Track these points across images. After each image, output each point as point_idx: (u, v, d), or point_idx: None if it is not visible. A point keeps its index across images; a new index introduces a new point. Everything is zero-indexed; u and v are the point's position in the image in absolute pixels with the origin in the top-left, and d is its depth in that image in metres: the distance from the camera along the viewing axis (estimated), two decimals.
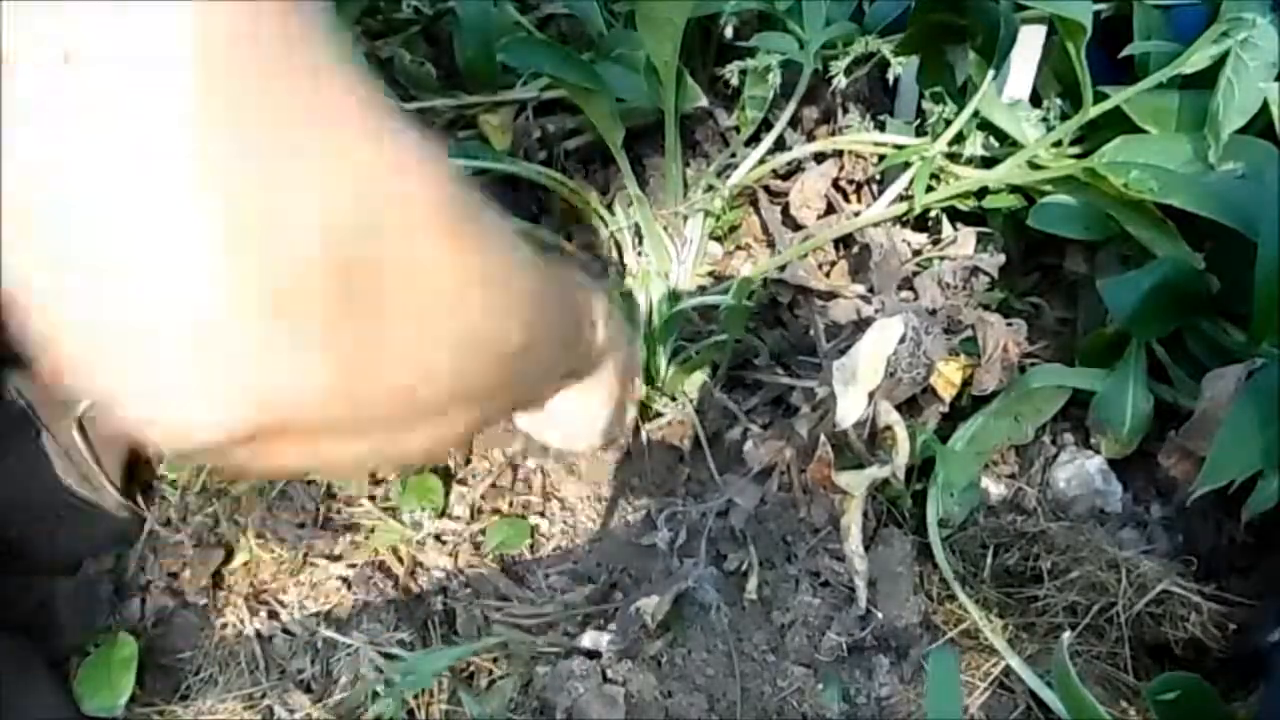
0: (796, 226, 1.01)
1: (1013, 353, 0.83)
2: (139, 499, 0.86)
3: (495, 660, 0.76)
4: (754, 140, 1.00)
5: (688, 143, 1.05)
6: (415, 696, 0.74)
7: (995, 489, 0.82)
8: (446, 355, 0.37)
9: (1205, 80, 0.81)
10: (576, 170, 1.04)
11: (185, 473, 0.87)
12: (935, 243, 0.96)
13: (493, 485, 0.89)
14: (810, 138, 1.03)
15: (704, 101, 0.98)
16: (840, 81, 0.93)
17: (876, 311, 0.88)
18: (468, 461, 0.90)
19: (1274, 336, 0.74)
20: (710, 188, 0.98)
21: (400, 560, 0.84)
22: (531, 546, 0.86)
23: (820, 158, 1.01)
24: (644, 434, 0.90)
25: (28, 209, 0.26)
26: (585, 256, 0.99)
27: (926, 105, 0.95)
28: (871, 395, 0.74)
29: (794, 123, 1.02)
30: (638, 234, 0.98)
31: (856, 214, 0.98)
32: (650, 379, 0.92)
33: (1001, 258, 0.92)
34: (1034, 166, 0.90)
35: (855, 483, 0.74)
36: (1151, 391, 0.81)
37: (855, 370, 0.74)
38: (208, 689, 0.77)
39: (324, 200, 0.29)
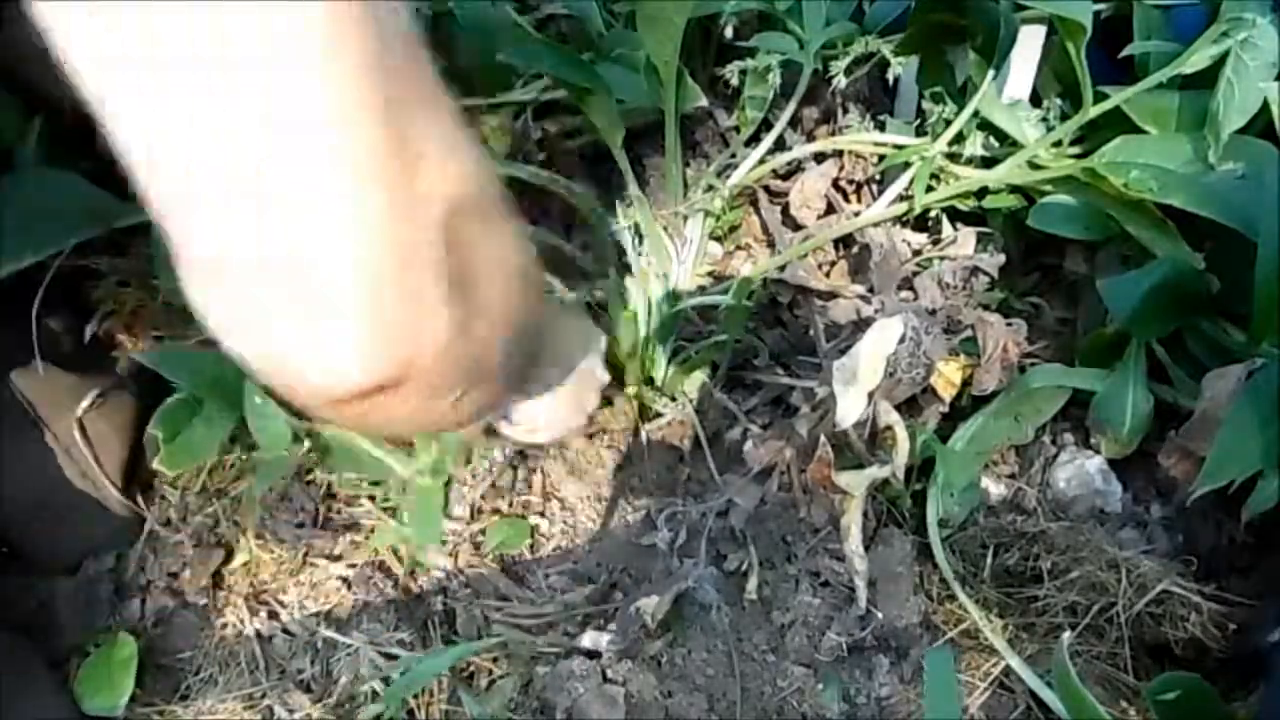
0: (796, 226, 1.01)
1: (1013, 353, 0.83)
2: (139, 499, 0.86)
3: (495, 660, 0.76)
4: (754, 140, 1.00)
5: (688, 143, 1.05)
6: (415, 696, 0.74)
7: (995, 489, 0.83)
8: (504, 326, 0.44)
9: (1205, 80, 0.81)
10: (576, 170, 1.04)
11: (185, 473, 0.87)
12: (935, 243, 0.96)
13: (493, 485, 0.88)
14: (810, 138, 1.03)
15: (704, 101, 0.98)
16: (840, 81, 0.93)
17: (876, 311, 0.88)
18: (468, 462, 0.90)
19: (1274, 336, 0.74)
20: (710, 188, 0.98)
21: (400, 560, 0.84)
22: (531, 546, 0.86)
23: (820, 158, 1.01)
24: (644, 434, 0.90)
25: (208, 172, 0.31)
26: (585, 256, 0.99)
27: (926, 105, 0.95)
28: (871, 395, 0.74)
29: (794, 123, 1.02)
30: (638, 234, 0.98)
31: (856, 214, 0.98)
32: (650, 379, 0.92)
33: (1001, 258, 0.92)
34: (1034, 166, 0.90)
35: (855, 483, 0.74)
36: (1151, 391, 0.81)
37: (855, 370, 0.74)
38: (208, 689, 0.77)
39: (444, 183, 0.35)
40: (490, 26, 0.98)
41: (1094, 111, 0.85)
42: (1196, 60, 0.80)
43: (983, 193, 0.94)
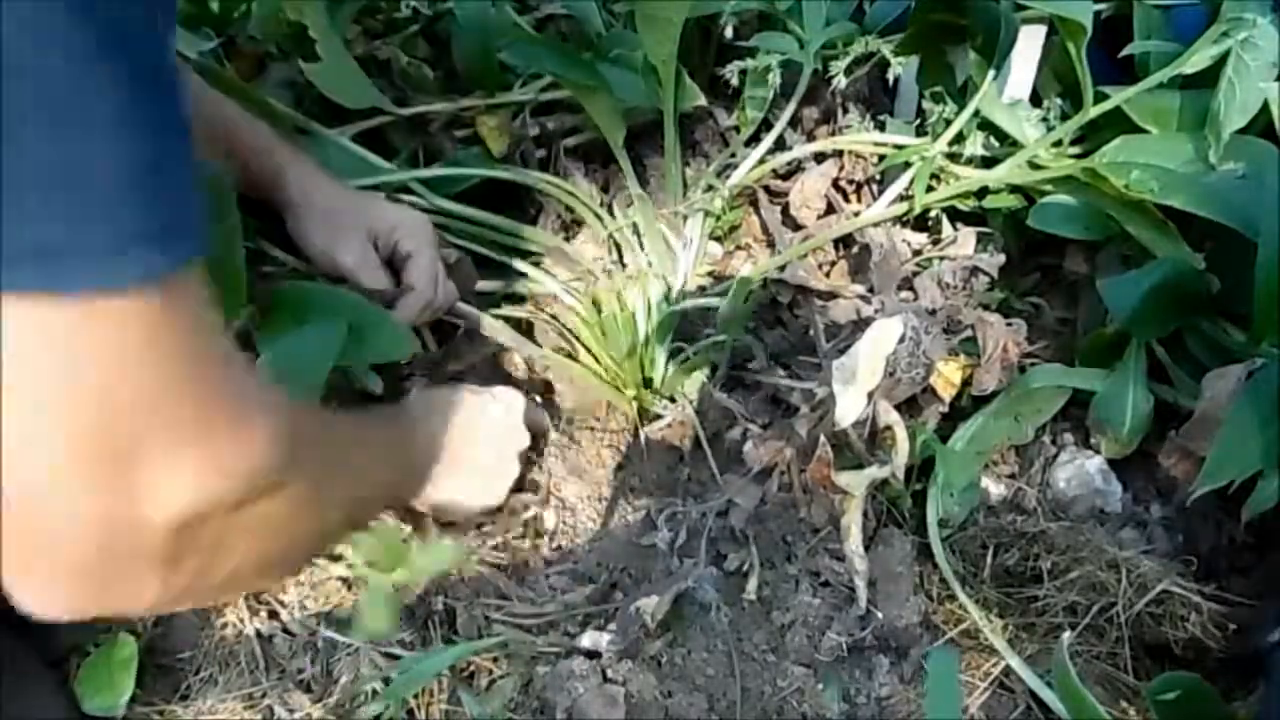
0: (796, 226, 1.01)
1: (1013, 353, 0.83)
2: None
3: (495, 660, 0.76)
4: (754, 140, 1.00)
5: (688, 143, 1.05)
6: (415, 696, 0.74)
7: (995, 489, 0.82)
8: (255, 578, 0.52)
9: (1205, 80, 0.81)
10: (576, 170, 1.04)
11: None
12: (935, 243, 0.96)
13: None
14: (810, 138, 1.03)
15: (703, 101, 0.98)
16: (840, 81, 0.93)
17: (876, 311, 0.87)
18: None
19: (1274, 336, 0.74)
20: (710, 188, 0.98)
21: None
22: (532, 546, 0.86)
23: (820, 158, 1.01)
24: (644, 434, 0.90)
25: None
26: (585, 257, 0.99)
27: (926, 105, 0.95)
28: (871, 395, 0.74)
29: (794, 123, 1.02)
30: (638, 234, 0.98)
31: (856, 214, 0.98)
32: (649, 380, 0.92)
33: (1001, 258, 0.92)
34: (1034, 166, 0.90)
35: (855, 483, 0.74)
36: (1151, 391, 0.81)
37: (855, 370, 0.73)
38: (208, 689, 0.77)
39: (170, 495, 0.39)
40: (490, 26, 0.98)
41: (1094, 111, 0.85)
42: (1197, 60, 0.80)
43: (983, 193, 0.94)
